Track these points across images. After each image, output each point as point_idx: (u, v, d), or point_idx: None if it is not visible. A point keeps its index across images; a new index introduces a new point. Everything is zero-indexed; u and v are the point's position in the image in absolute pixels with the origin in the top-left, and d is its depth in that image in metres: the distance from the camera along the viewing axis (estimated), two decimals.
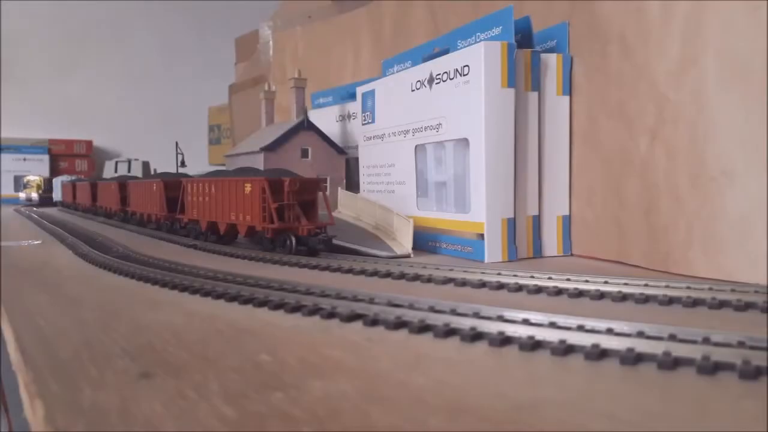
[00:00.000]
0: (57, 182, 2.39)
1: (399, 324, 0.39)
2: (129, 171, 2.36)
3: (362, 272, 0.63)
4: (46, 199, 2.51)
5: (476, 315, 0.40)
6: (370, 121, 0.98)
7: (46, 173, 2.68)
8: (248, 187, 0.78)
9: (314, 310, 0.44)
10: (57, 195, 2.39)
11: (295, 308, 0.45)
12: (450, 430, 0.24)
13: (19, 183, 2.59)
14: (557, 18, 0.77)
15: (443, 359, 0.33)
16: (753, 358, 0.30)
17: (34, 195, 2.48)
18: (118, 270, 0.65)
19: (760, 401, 0.26)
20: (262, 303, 0.47)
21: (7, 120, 2.80)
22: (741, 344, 0.32)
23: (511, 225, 0.73)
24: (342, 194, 1.01)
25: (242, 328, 0.40)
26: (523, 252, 0.75)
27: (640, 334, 0.35)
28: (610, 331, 0.35)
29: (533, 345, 0.34)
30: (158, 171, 1.85)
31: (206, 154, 2.81)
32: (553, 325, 0.37)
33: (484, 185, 0.71)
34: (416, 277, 0.59)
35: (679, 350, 0.31)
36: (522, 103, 0.73)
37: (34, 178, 2.53)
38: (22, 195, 2.47)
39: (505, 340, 0.35)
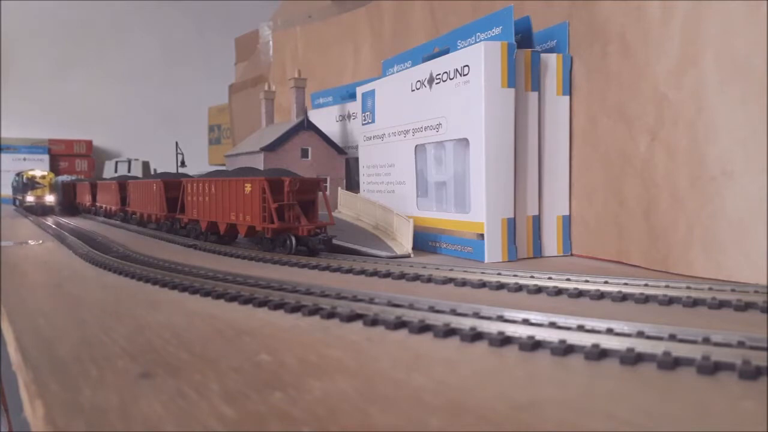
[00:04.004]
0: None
1: (399, 324, 0.39)
2: (129, 171, 2.35)
3: (362, 272, 0.63)
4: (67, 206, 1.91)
5: (476, 315, 0.40)
6: (370, 121, 0.98)
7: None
8: (248, 187, 0.78)
9: (314, 310, 0.44)
10: None
11: (295, 308, 0.45)
12: (450, 430, 0.24)
13: (19, 182, 1.93)
14: (557, 18, 0.77)
15: (443, 359, 0.33)
16: (753, 358, 0.30)
17: (51, 198, 1.78)
18: (118, 270, 0.65)
19: (760, 401, 0.26)
20: (262, 303, 0.47)
21: (7, 120, 2.80)
22: (741, 344, 0.32)
23: (511, 225, 0.73)
24: (342, 194, 1.01)
25: (242, 328, 0.40)
26: (523, 252, 0.75)
27: (640, 334, 0.35)
28: (610, 331, 0.35)
29: (533, 345, 0.34)
30: (158, 171, 1.85)
31: (206, 154, 2.81)
32: (553, 325, 0.37)
33: (484, 185, 0.71)
34: (416, 277, 0.59)
35: (679, 350, 0.31)
36: (522, 103, 0.73)
37: (41, 173, 1.81)
38: (30, 198, 1.75)
39: (505, 340, 0.35)
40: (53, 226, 1.27)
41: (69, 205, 1.92)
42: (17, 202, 1.99)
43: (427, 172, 0.85)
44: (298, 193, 0.75)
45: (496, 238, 0.72)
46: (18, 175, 1.97)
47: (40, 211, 1.73)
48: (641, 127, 0.65)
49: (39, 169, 1.89)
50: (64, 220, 1.52)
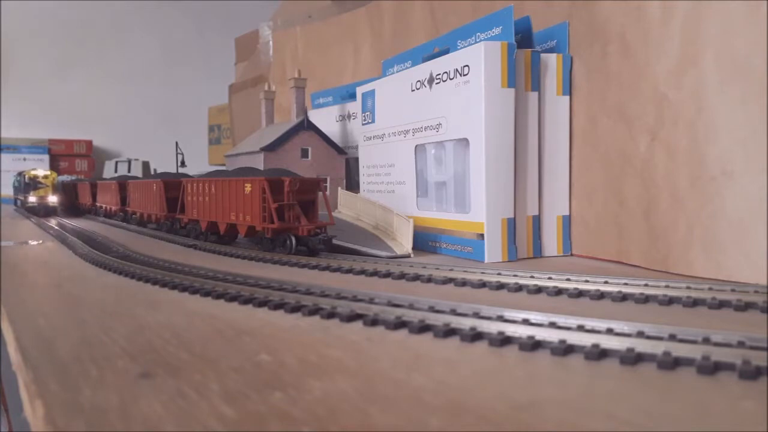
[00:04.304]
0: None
1: (399, 324, 0.39)
2: (129, 171, 2.35)
3: (362, 272, 0.63)
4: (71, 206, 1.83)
5: (476, 315, 0.40)
6: (370, 121, 0.98)
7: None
8: (248, 187, 0.78)
9: (314, 310, 0.44)
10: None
11: (295, 308, 0.45)
12: (450, 430, 0.24)
13: (20, 182, 1.83)
14: (557, 18, 0.77)
15: (443, 359, 0.33)
16: (753, 358, 0.30)
17: (54, 198, 1.70)
18: (118, 270, 0.65)
19: (760, 401, 0.26)
20: (262, 303, 0.47)
21: (7, 120, 2.80)
22: (741, 344, 0.32)
23: (511, 225, 0.73)
24: (342, 194, 1.01)
25: (242, 328, 0.40)
26: (523, 252, 0.75)
27: (640, 334, 0.35)
28: (610, 331, 0.35)
29: (533, 345, 0.34)
30: (158, 171, 1.84)
31: (206, 154, 2.81)
32: (553, 325, 0.37)
33: (484, 185, 0.71)
34: (416, 277, 0.59)
35: (679, 350, 0.31)
36: (522, 103, 0.73)
37: (43, 173, 1.73)
38: (32, 199, 1.67)
39: (505, 340, 0.35)
40: (56, 227, 1.23)
41: (71, 205, 1.86)
42: (19, 203, 1.91)
43: (427, 172, 0.85)
44: (298, 193, 0.75)
45: (496, 238, 0.72)
46: (19, 174, 1.89)
47: (42, 212, 1.66)
48: (641, 127, 0.65)
49: (41, 169, 1.80)
50: (66, 221, 1.46)
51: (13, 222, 1.52)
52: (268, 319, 0.43)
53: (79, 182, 1.93)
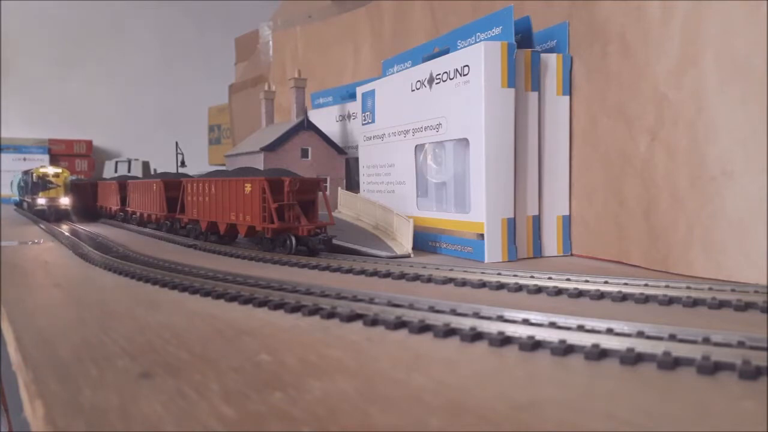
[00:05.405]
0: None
1: (399, 324, 0.39)
2: (129, 171, 2.35)
3: (362, 272, 0.63)
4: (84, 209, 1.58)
5: (476, 315, 0.40)
6: (370, 121, 0.98)
7: None
8: (248, 187, 0.78)
9: (314, 310, 0.44)
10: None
11: (295, 308, 0.45)
12: (450, 430, 0.24)
13: (27, 182, 1.61)
14: (557, 18, 0.77)
15: (443, 359, 0.33)
16: (753, 358, 0.30)
17: (66, 200, 1.47)
18: (118, 270, 0.65)
19: (760, 401, 0.26)
20: (262, 303, 0.47)
21: (7, 120, 2.80)
22: (741, 344, 0.32)
23: (511, 225, 0.73)
24: (342, 194, 1.01)
25: (242, 328, 0.40)
26: (523, 252, 0.75)
27: (640, 334, 0.35)
28: (610, 331, 0.35)
29: (533, 345, 0.34)
30: (158, 171, 1.84)
31: (206, 154, 2.81)
32: (553, 325, 0.37)
33: (484, 185, 0.71)
34: (416, 277, 0.59)
35: (679, 350, 0.31)
36: (522, 103, 0.73)
37: (53, 171, 1.50)
38: (41, 201, 1.45)
39: (505, 340, 0.35)
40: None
41: (82, 208, 1.60)
42: (25, 205, 1.70)
43: (427, 172, 0.85)
44: (298, 193, 0.75)
45: (496, 238, 0.72)
46: (26, 173, 1.67)
47: (53, 216, 1.43)
48: (641, 127, 0.65)
49: (51, 167, 1.54)
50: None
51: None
52: (268, 319, 0.43)
53: (90, 182, 1.80)
